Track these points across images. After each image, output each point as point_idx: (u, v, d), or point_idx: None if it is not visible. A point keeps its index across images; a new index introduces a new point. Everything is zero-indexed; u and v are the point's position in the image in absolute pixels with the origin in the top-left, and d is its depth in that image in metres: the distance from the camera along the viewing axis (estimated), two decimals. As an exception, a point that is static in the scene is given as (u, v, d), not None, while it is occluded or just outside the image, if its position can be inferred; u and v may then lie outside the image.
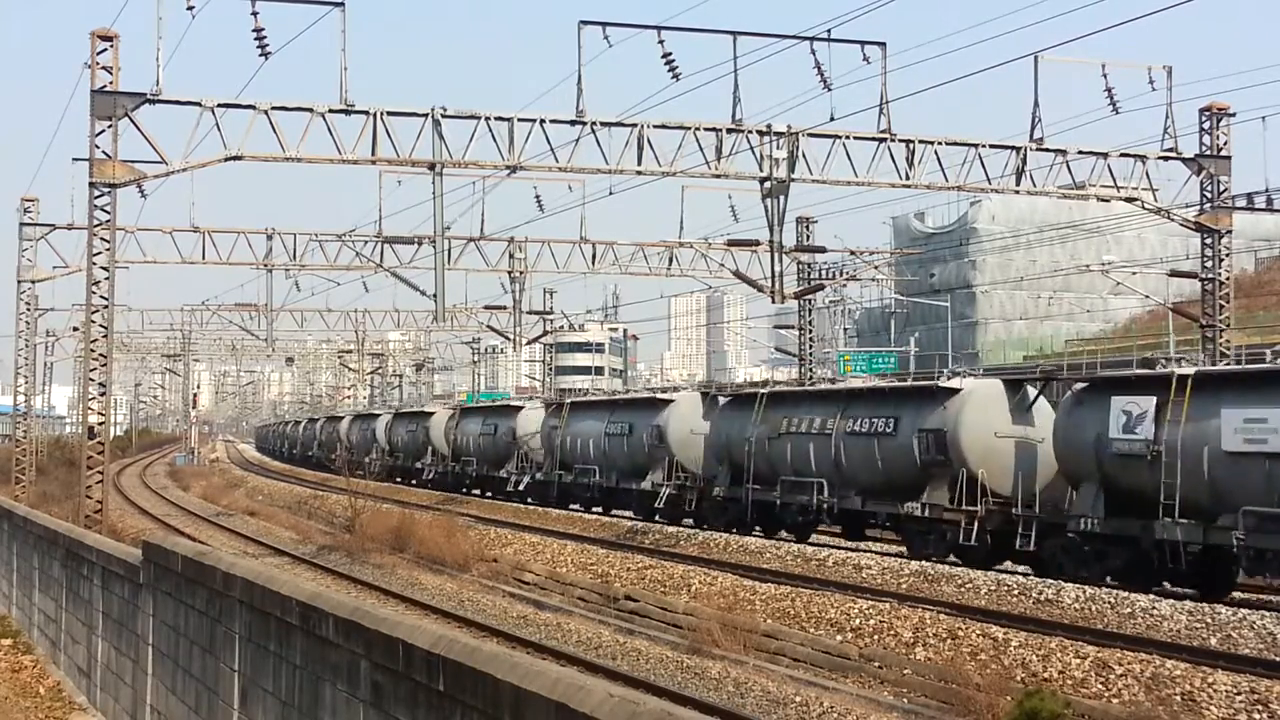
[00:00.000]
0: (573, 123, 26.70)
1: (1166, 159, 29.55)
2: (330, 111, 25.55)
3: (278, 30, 24.76)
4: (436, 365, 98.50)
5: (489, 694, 5.39)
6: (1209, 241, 30.47)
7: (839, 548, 27.80)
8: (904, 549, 27.06)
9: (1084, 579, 21.47)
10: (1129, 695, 14.75)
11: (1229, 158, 29.88)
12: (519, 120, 26.66)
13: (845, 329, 64.06)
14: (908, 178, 28.25)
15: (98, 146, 24.97)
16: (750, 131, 27.21)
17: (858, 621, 19.35)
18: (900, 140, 27.94)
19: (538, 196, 35.22)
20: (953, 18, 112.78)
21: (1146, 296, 51.23)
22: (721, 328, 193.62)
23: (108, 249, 25.65)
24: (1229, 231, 30.58)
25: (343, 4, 24.85)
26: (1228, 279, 30.59)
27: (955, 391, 25.66)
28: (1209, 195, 29.94)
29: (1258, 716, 13.72)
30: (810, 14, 44.36)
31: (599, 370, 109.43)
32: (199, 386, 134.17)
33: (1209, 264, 30.53)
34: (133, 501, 53.12)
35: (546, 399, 50.62)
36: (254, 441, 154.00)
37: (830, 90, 26.51)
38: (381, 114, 25.87)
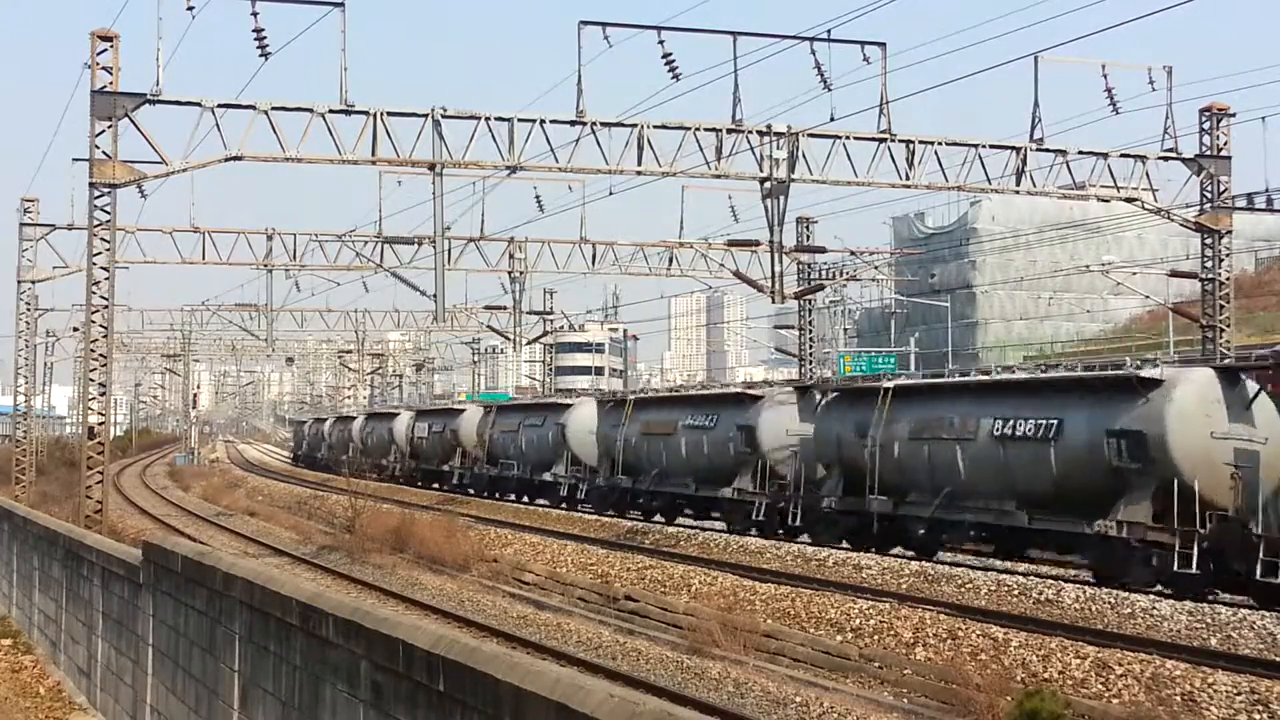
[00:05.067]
0: (573, 123, 26.69)
1: (1166, 159, 29.53)
2: (330, 112, 25.53)
3: (278, 30, 24.77)
4: (437, 365, 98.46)
5: (489, 694, 5.39)
6: (1209, 242, 30.46)
7: (850, 546, 27.84)
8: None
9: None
10: (1129, 695, 14.75)
11: (1229, 158, 29.86)
12: (519, 120, 26.65)
13: (845, 329, 64.06)
14: (908, 178, 28.23)
15: (98, 147, 24.96)
16: (750, 132, 27.20)
17: (858, 621, 19.35)
18: (900, 140, 27.92)
19: (538, 196, 35.25)
20: (953, 18, 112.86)
21: (1147, 297, 51.23)
22: (722, 328, 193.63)
23: (108, 249, 25.64)
24: (1229, 232, 30.56)
25: (343, 4, 24.84)
26: (1228, 279, 30.57)
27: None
28: (1209, 195, 29.92)
29: (1258, 717, 13.73)
30: (810, 14, 44.33)
31: (599, 370, 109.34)
32: (199, 386, 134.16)
33: (1209, 264, 30.52)
34: (133, 502, 53.13)
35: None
36: (292, 447, 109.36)
37: (830, 90, 26.50)
38: (381, 114, 25.85)
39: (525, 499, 45.41)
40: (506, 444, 46.56)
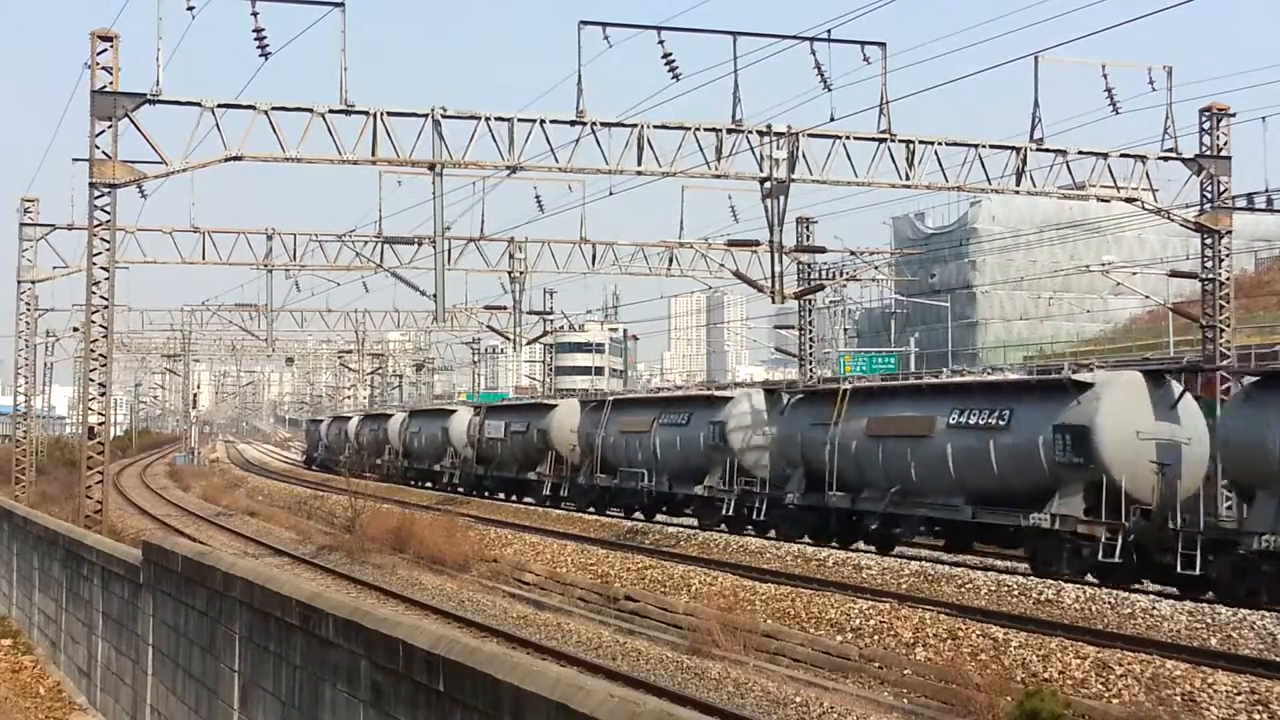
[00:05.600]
0: (573, 123, 26.68)
1: (1166, 159, 29.51)
2: (330, 112, 25.52)
3: (278, 30, 24.75)
4: (436, 365, 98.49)
5: (489, 694, 5.39)
6: (1209, 242, 30.45)
7: (836, 548, 27.81)
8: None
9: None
10: (1129, 695, 14.75)
11: (1229, 158, 29.84)
12: (519, 120, 26.64)
13: (845, 329, 64.04)
14: (908, 178, 28.22)
15: (98, 147, 24.95)
16: (750, 132, 27.19)
17: (858, 622, 19.36)
18: (900, 140, 27.90)
19: (538, 196, 35.24)
20: (953, 18, 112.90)
21: (1147, 297, 51.18)
22: (721, 328, 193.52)
23: (108, 249, 25.64)
24: (1229, 232, 30.53)
25: (343, 4, 24.83)
26: (1228, 279, 30.56)
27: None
28: (1209, 195, 29.90)
29: (1258, 717, 13.73)
30: (810, 14, 44.47)
31: (599, 370, 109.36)
32: (199, 386, 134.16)
33: (1209, 264, 30.50)
34: (133, 502, 53.13)
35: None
36: (305, 448, 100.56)
37: (830, 90, 26.47)
38: (381, 114, 25.85)
39: (641, 517, 37.23)
40: (631, 448, 38.05)
